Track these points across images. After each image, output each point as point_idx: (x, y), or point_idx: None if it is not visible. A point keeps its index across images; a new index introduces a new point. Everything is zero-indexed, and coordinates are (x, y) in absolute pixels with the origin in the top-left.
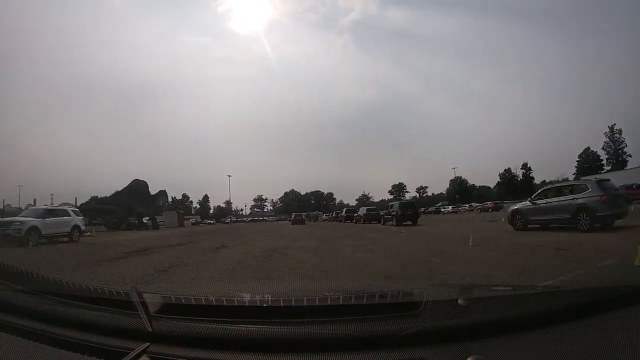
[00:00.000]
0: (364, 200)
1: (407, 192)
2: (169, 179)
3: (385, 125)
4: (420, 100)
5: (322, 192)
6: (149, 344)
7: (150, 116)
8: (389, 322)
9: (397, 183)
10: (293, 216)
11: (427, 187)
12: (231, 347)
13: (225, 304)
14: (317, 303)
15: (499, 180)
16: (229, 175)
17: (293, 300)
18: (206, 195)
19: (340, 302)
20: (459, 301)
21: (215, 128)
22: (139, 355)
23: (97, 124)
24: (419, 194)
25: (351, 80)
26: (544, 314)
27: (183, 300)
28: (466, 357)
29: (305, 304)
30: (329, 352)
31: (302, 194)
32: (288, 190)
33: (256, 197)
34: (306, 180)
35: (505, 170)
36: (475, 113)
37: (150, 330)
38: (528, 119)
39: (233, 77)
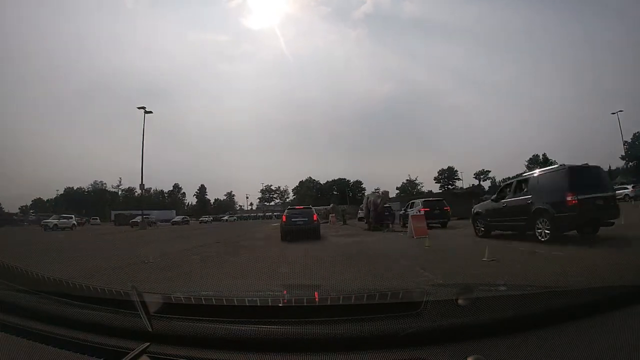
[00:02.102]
0: (407, 189)
1: (458, 179)
2: (183, 174)
3: (408, 117)
4: (442, 92)
5: (348, 181)
6: (149, 344)
7: (159, 113)
8: (389, 322)
9: (445, 168)
10: (285, 217)
11: (489, 171)
12: (231, 347)
13: (225, 303)
14: (317, 303)
15: (625, 152)
16: (145, 111)
17: (293, 300)
18: (203, 186)
19: (340, 302)
20: (459, 301)
21: (227, 124)
22: (139, 355)
23: (107, 120)
24: (479, 180)
25: (368, 74)
26: (544, 314)
27: (183, 300)
28: (466, 357)
29: (305, 304)
30: (329, 352)
31: (322, 182)
32: (304, 179)
33: (263, 188)
34: (324, 175)
35: (634, 135)
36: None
37: (150, 330)
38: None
39: (246, 72)
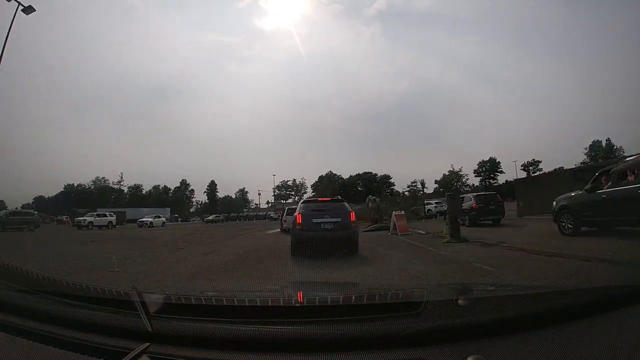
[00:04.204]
0: (451, 182)
1: (501, 171)
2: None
3: (427, 114)
4: (460, 88)
5: (375, 175)
6: (149, 344)
7: (172, 113)
8: (389, 322)
9: (485, 159)
10: (301, 216)
11: (539, 161)
12: (231, 347)
13: (225, 303)
14: (317, 303)
15: None
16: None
17: (293, 300)
18: (213, 182)
19: (340, 302)
20: (459, 301)
21: (240, 123)
22: (139, 355)
23: (117, 122)
24: (528, 172)
25: (383, 71)
26: (544, 314)
27: (183, 300)
28: (466, 357)
29: (305, 304)
30: (329, 352)
31: (345, 177)
32: (324, 174)
33: (279, 184)
34: (341, 173)
35: None
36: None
37: (150, 330)
38: None
39: (258, 72)
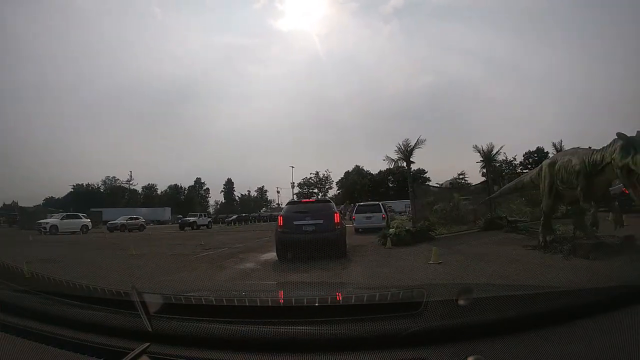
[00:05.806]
0: (504, 172)
1: None
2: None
3: (451, 109)
4: (482, 81)
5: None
6: (149, 344)
7: (191, 115)
8: (389, 322)
9: (532, 150)
10: (282, 218)
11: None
12: (231, 347)
13: (225, 304)
14: (317, 303)
15: None
16: None
17: (293, 300)
18: (230, 181)
19: (341, 302)
20: (459, 301)
21: (259, 124)
22: (139, 355)
23: (134, 122)
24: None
25: (403, 68)
26: (544, 314)
27: (183, 300)
28: (466, 357)
29: (305, 304)
30: (329, 352)
31: (374, 173)
32: (351, 169)
33: (301, 181)
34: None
35: None
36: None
37: (150, 330)
38: None
39: (276, 73)
